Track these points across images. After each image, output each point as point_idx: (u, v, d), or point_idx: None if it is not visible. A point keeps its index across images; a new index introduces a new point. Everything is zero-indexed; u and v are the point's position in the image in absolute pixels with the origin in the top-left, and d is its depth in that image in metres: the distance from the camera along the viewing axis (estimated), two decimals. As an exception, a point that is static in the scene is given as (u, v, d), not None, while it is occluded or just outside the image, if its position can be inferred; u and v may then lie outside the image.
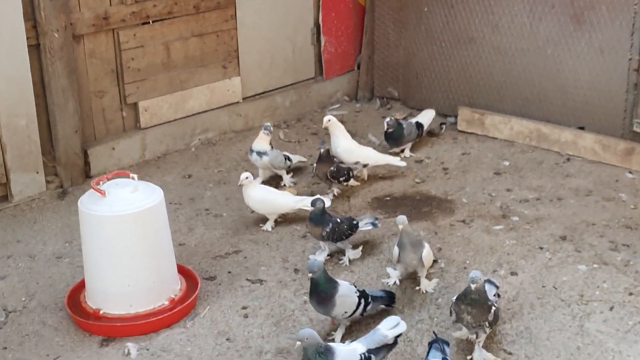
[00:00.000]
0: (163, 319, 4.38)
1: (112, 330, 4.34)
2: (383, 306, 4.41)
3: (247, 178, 5.33)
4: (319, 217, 4.83)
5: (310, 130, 6.98)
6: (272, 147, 5.92)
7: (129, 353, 4.19)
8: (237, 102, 6.91)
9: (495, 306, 4.04)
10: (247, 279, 4.85)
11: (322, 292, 4.12)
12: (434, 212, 5.51)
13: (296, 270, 4.90)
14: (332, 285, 4.16)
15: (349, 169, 5.74)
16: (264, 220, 5.43)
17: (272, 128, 5.95)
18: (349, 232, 4.90)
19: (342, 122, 7.08)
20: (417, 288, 4.65)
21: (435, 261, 4.85)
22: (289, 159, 6.01)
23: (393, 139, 6.32)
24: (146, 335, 4.33)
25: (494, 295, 4.26)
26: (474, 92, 6.83)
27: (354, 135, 6.85)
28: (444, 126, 6.80)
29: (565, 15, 6.22)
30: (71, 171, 5.90)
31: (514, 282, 4.70)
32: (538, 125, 6.40)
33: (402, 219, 4.54)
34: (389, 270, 4.78)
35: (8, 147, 5.54)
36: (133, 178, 4.49)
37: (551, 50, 6.34)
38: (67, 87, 5.72)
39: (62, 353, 4.24)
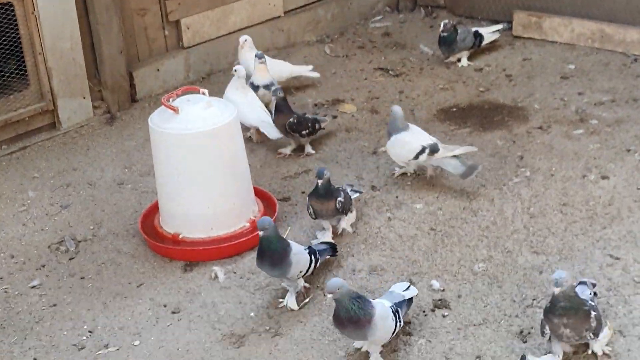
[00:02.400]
0: (247, 241, 4.15)
1: (195, 254, 4.11)
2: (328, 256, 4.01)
3: (235, 70, 4.99)
4: (328, 189, 4.07)
5: (356, 44, 6.64)
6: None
7: (216, 277, 3.97)
8: (279, 17, 6.56)
9: (594, 310, 3.24)
10: (323, 198, 4.62)
11: (275, 251, 3.63)
12: (507, 121, 5.24)
13: (373, 187, 4.65)
14: (285, 243, 3.70)
15: (315, 121, 4.99)
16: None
17: (265, 56, 5.32)
18: (351, 200, 4.25)
19: (387, 34, 6.81)
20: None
21: None
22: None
23: (446, 45, 6.01)
24: (230, 259, 4.11)
25: (590, 295, 3.43)
26: (529, -5, 6.49)
27: (403, 46, 6.55)
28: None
29: None
30: (118, 95, 5.60)
31: (606, 186, 4.48)
32: (601, 26, 6.07)
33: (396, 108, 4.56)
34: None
35: (54, 71, 5.23)
36: (204, 93, 4.21)
37: (613, -57, 5.98)
38: (110, 5, 5.37)
39: (144, 280, 4.02)
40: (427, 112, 5.46)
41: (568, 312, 3.17)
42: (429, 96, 5.69)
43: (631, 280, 3.77)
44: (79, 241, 4.35)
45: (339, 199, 4.09)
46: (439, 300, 3.76)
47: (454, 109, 5.48)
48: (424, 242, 4.17)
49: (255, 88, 5.28)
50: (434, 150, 4.46)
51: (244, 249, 4.14)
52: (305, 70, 5.80)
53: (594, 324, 3.22)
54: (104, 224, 4.49)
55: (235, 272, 4.02)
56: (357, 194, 4.39)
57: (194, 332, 3.66)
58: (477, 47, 6.14)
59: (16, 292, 3.97)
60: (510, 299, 3.72)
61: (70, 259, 4.21)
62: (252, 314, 3.74)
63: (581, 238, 4.08)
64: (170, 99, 4.14)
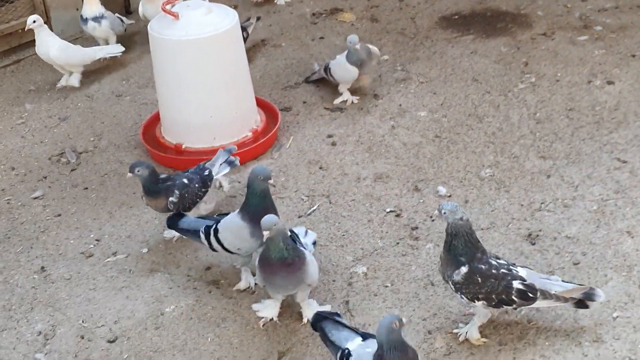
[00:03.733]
0: (249, 151, 4.11)
1: (198, 163, 4.06)
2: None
3: (34, 22, 4.48)
4: (152, 185, 3.50)
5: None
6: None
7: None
8: None
9: (483, 276, 2.85)
10: (325, 108, 4.55)
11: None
12: (511, 27, 5.16)
13: (376, 96, 4.59)
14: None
15: (242, 30, 4.65)
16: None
17: None
18: (204, 189, 3.65)
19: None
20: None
21: None
22: (123, 20, 5.23)
23: None
24: (234, 168, 4.04)
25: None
26: None
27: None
28: None
29: None
30: (111, 6, 5.43)
31: (612, 91, 4.43)
32: None
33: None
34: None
35: (45, -19, 5.10)
36: (204, -1, 4.10)
37: None
38: None
39: (149, 191, 3.98)
40: (428, 20, 5.36)
41: (445, 245, 2.96)
42: (430, 4, 5.58)
43: (638, 182, 3.75)
44: (80, 153, 4.30)
45: (171, 199, 3.50)
46: (446, 205, 3.74)
47: (456, 17, 5.38)
48: (429, 149, 4.14)
49: (83, 21, 5.03)
50: None
51: (247, 158, 4.10)
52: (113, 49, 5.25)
53: (458, 277, 2.88)
54: (105, 136, 4.43)
55: (239, 182, 3.98)
56: (228, 169, 3.78)
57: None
58: None
59: (19, 203, 3.93)
60: (518, 202, 3.70)
61: (72, 170, 4.16)
62: (258, 221, 3.72)
63: (588, 142, 4.06)
64: (170, 5, 4.02)
